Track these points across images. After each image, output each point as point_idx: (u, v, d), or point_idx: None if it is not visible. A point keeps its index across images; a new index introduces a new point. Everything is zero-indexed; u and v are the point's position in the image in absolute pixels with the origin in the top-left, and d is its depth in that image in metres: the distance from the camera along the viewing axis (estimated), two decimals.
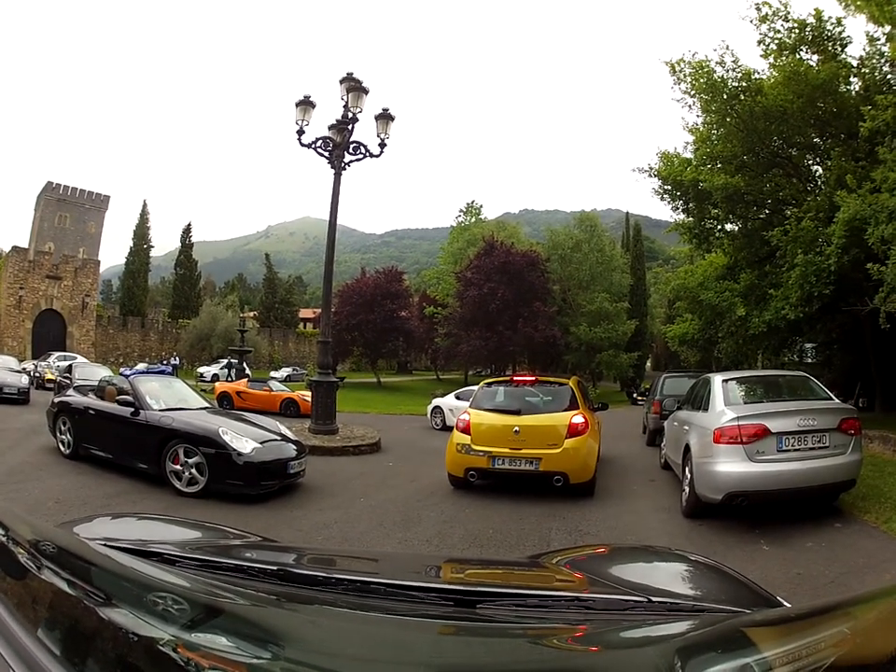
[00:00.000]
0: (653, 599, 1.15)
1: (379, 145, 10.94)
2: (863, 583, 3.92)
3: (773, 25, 13.57)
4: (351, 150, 10.88)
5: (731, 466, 5.27)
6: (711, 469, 5.41)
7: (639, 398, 21.76)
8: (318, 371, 11.49)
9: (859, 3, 12.17)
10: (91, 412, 7.34)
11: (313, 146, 10.76)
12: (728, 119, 14.44)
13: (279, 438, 7.04)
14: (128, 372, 19.10)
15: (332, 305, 14.62)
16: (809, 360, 21.35)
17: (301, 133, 10.65)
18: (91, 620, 0.79)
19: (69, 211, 60.68)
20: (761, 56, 14.18)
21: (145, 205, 57.35)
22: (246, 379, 21.09)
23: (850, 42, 13.37)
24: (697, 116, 15.54)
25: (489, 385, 7.91)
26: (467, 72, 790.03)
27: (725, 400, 5.87)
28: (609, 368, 38.69)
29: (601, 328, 36.02)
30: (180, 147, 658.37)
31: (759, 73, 14.27)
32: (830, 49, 13.35)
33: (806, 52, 13.66)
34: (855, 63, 13.41)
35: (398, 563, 2.03)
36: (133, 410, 6.83)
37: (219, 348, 38.23)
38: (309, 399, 12.75)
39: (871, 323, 12.31)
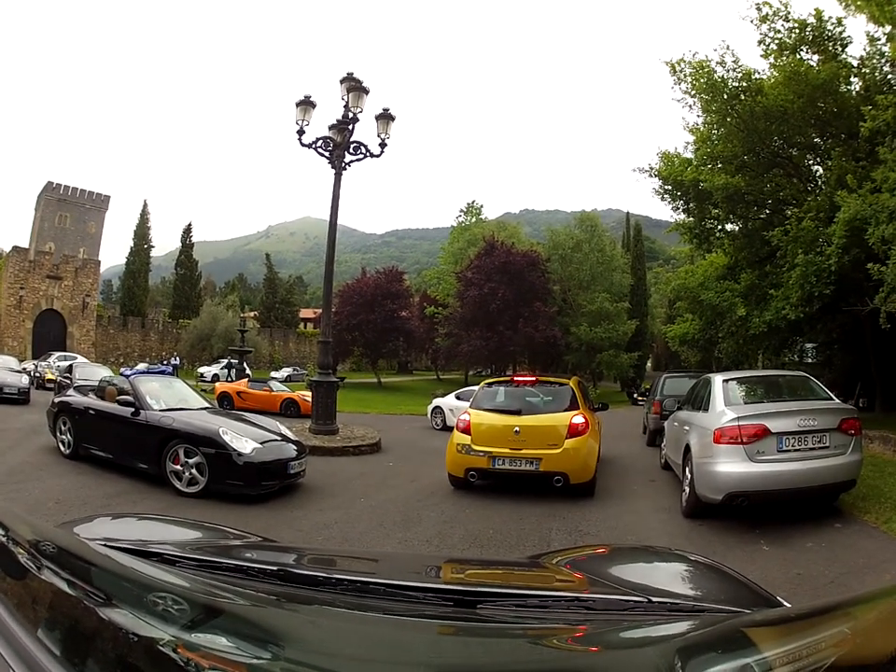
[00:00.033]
0: (653, 599, 1.15)
1: (379, 145, 10.95)
2: (863, 584, 3.92)
3: (773, 25, 13.58)
4: (351, 150, 10.88)
5: (731, 466, 5.27)
6: (711, 469, 5.41)
7: (640, 398, 21.77)
8: (319, 372, 11.49)
9: (859, 3, 12.17)
10: (92, 412, 7.34)
11: (313, 146, 10.76)
12: (728, 119, 14.43)
13: (279, 438, 7.03)
14: (128, 372, 19.11)
15: (333, 305, 14.63)
16: (809, 360, 21.34)
17: (301, 132, 10.65)
18: (91, 620, 0.79)
19: (69, 211, 60.72)
20: (761, 56, 14.20)
21: (145, 205, 57.42)
22: (247, 379, 21.10)
23: (851, 42, 13.39)
24: (698, 116, 15.58)
25: (489, 385, 7.91)
26: (467, 72, 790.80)
27: (725, 400, 5.87)
28: (610, 368, 38.68)
29: (601, 328, 36.01)
30: (181, 147, 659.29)
31: (759, 73, 14.28)
32: (830, 49, 13.35)
33: (807, 52, 13.66)
34: (855, 63, 13.41)
35: (398, 563, 2.03)
36: (133, 410, 6.83)
37: (220, 348, 38.23)
38: (309, 399, 12.75)
39: (871, 323, 12.30)
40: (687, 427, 6.57)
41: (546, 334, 33.60)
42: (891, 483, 6.63)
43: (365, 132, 26.89)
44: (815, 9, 13.24)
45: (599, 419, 8.07)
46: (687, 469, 6.03)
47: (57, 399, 8.14)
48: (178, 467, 6.28)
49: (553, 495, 6.52)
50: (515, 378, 8.12)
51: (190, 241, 57.18)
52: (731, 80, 14.13)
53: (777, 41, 13.69)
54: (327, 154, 10.84)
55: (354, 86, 10.69)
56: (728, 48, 14.07)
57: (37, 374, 21.62)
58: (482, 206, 49.36)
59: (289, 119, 10.79)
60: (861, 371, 16.10)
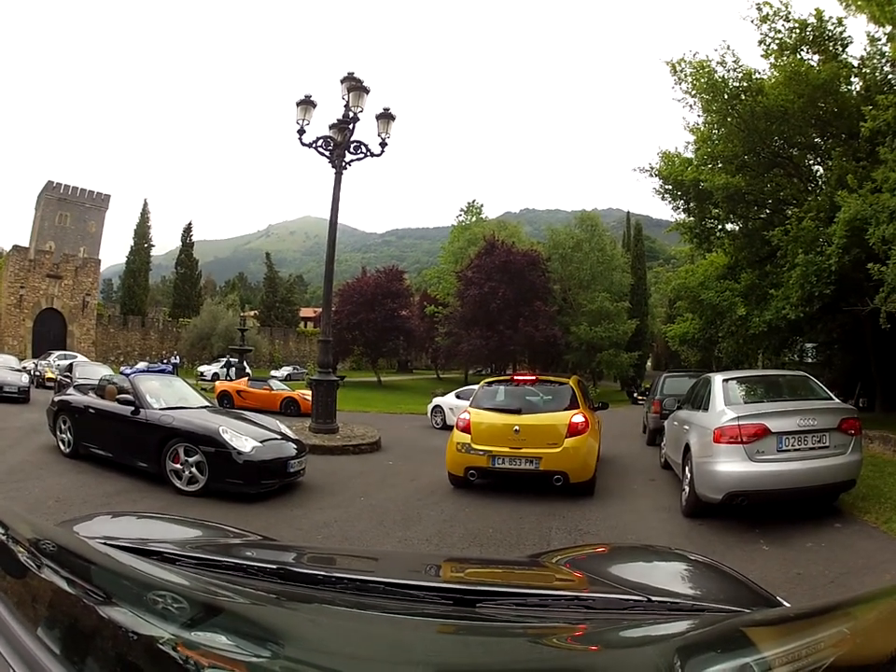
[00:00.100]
0: (653, 599, 1.15)
1: (380, 144, 10.94)
2: (863, 584, 3.92)
3: (774, 25, 13.57)
4: (352, 150, 10.87)
5: (731, 465, 5.27)
6: (711, 468, 5.41)
7: (640, 397, 21.74)
8: (319, 370, 11.48)
9: (859, 3, 12.15)
10: (92, 410, 7.34)
11: (313, 145, 10.75)
12: (729, 119, 14.42)
13: (279, 437, 7.03)
14: (128, 371, 19.02)
15: (333, 304, 14.64)
16: (810, 360, 21.34)
17: (301, 132, 10.65)
18: (90, 618, 0.79)
19: (70, 210, 60.74)
20: (761, 56, 14.18)
21: (145, 204, 57.35)
22: (247, 378, 21.10)
23: (851, 42, 13.37)
24: (698, 116, 15.56)
25: (489, 384, 7.92)
26: (468, 71, 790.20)
27: (725, 400, 5.87)
28: (610, 367, 38.67)
29: (602, 327, 36.00)
30: (181, 147, 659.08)
31: (760, 73, 14.27)
32: (831, 49, 13.33)
33: (807, 52, 13.65)
34: (856, 64, 13.40)
35: (397, 562, 2.03)
36: (133, 409, 6.84)
37: (220, 347, 38.17)
38: (309, 397, 12.75)
39: (871, 323, 12.30)
40: (687, 427, 6.57)
41: (546, 333, 33.58)
42: (891, 484, 6.63)
43: (365, 131, 26.89)
44: (815, 9, 13.24)
45: (599, 418, 8.07)
46: (687, 469, 6.03)
47: (57, 398, 8.14)
48: (178, 465, 6.28)
49: (552, 494, 6.52)
50: (515, 377, 8.13)
51: (191, 240, 57.13)
52: (731, 80, 14.12)
53: (777, 41, 13.68)
54: (327, 153, 10.84)
55: (354, 85, 10.68)
56: (728, 48, 14.09)
57: (37, 373, 21.64)
58: (482, 206, 49.36)
59: (290, 119, 10.81)
60: (861, 370, 16.10)
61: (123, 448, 6.93)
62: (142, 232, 54.89)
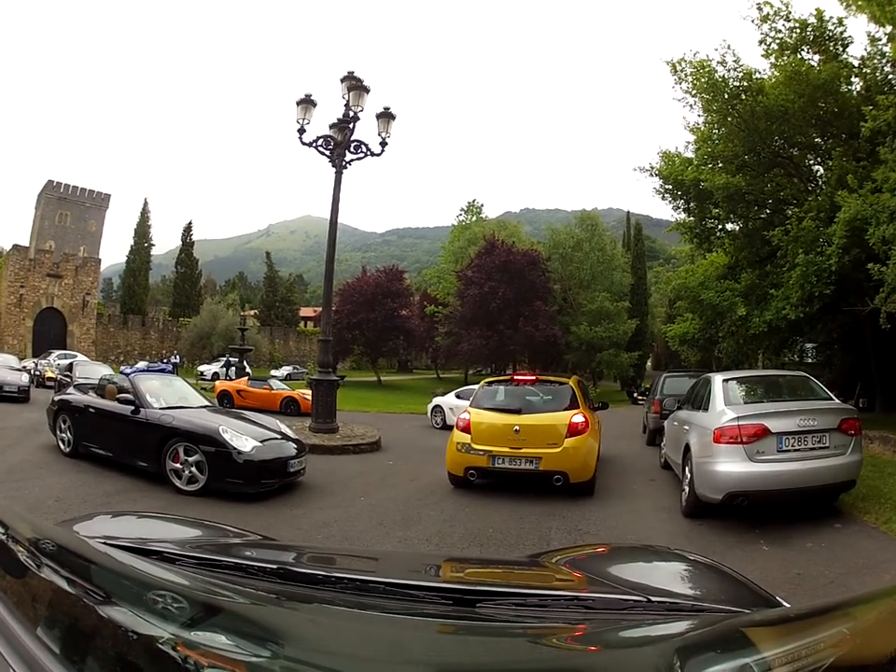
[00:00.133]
0: (653, 599, 1.15)
1: (380, 143, 10.94)
2: (863, 584, 3.92)
3: (774, 25, 13.57)
4: (352, 149, 10.87)
5: (731, 466, 5.27)
6: (711, 468, 5.41)
7: (640, 397, 21.75)
8: (319, 370, 11.48)
9: (860, 3, 12.15)
10: (92, 410, 7.34)
11: (314, 144, 10.75)
12: (729, 119, 14.42)
13: (279, 436, 7.04)
14: (128, 371, 19.07)
15: (333, 304, 14.64)
16: (810, 360, 21.33)
17: (301, 131, 10.65)
18: (90, 618, 0.79)
19: (70, 209, 60.71)
20: (762, 56, 14.18)
21: (146, 204, 57.47)
22: (247, 377, 21.10)
23: (852, 42, 13.37)
24: (698, 115, 15.56)
25: (489, 384, 7.91)
26: (468, 71, 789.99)
27: (725, 400, 5.86)
28: (610, 367, 38.67)
29: (602, 327, 35.99)
30: (181, 146, 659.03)
31: (760, 73, 14.27)
32: (831, 49, 13.33)
33: (808, 52, 13.65)
34: (856, 64, 13.39)
35: (397, 562, 2.03)
36: (133, 408, 6.84)
37: (220, 346, 38.18)
38: (309, 397, 12.75)
39: (871, 323, 12.30)
40: (687, 427, 6.57)
41: (546, 333, 33.59)
42: (891, 484, 6.63)
43: (366, 130, 26.86)
44: (816, 9, 13.24)
45: (599, 418, 8.06)
46: (687, 469, 6.03)
47: (57, 398, 8.14)
48: (178, 465, 6.28)
49: (552, 494, 6.52)
50: (515, 377, 8.13)
51: (191, 239, 57.17)
52: (732, 80, 14.12)
53: (777, 41, 13.68)
54: (327, 153, 10.84)
55: (354, 85, 10.68)
56: (729, 47, 14.08)
57: (37, 372, 21.63)
58: (482, 205, 49.43)
59: (290, 118, 10.80)
60: (861, 371, 16.10)
61: (123, 447, 6.93)
62: (142, 232, 54.94)
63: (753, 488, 5.24)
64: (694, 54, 14.50)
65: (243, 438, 6.37)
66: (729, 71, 14.10)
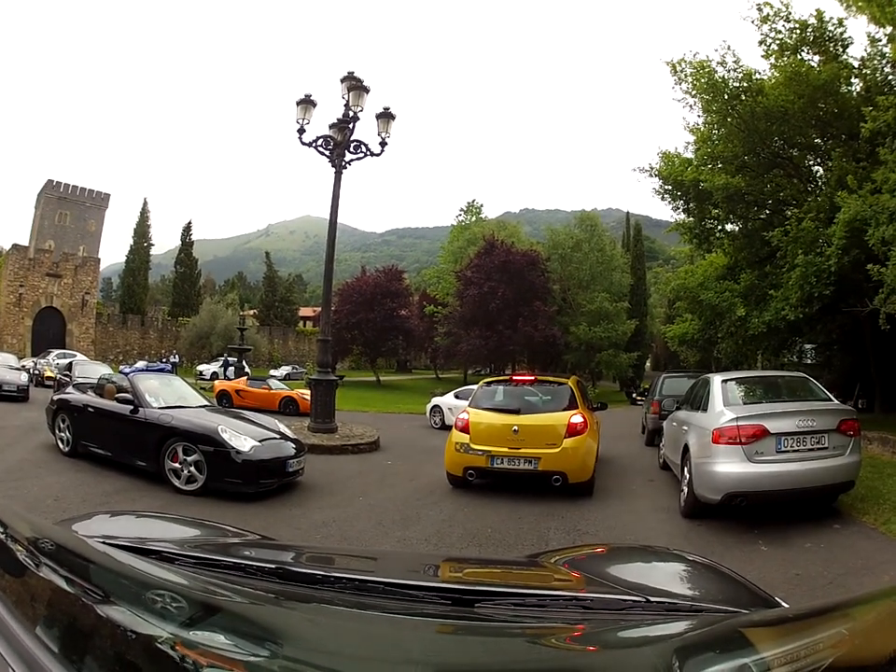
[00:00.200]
0: (651, 599, 1.15)
1: (380, 143, 10.94)
2: (862, 585, 3.92)
3: (774, 26, 13.56)
4: (352, 149, 10.87)
5: (730, 466, 5.27)
6: (710, 469, 5.41)
7: (638, 397, 21.80)
8: (318, 370, 11.48)
9: (860, 4, 12.14)
10: (91, 409, 7.34)
11: (313, 144, 10.75)
12: (729, 120, 14.41)
13: (278, 436, 7.03)
14: (127, 370, 19.00)
15: (332, 304, 14.63)
16: (809, 361, 21.32)
17: (301, 131, 10.65)
18: (89, 617, 0.79)
19: (69, 209, 60.65)
20: (762, 56, 14.17)
21: (145, 203, 57.44)
22: (246, 377, 21.09)
23: (852, 43, 13.36)
24: (698, 116, 15.54)
25: (488, 384, 7.91)
26: (468, 71, 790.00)
27: (724, 401, 5.87)
28: (609, 367, 38.70)
29: (601, 327, 36.02)
30: (181, 146, 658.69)
31: (760, 73, 14.25)
32: (831, 49, 13.33)
33: (808, 53, 13.64)
34: (856, 64, 13.39)
35: (396, 562, 2.03)
36: (132, 408, 6.83)
37: (219, 346, 38.13)
38: (308, 397, 12.75)
39: (871, 324, 12.30)
40: (686, 427, 6.57)
41: (545, 333, 33.59)
42: (890, 485, 6.63)
43: (365, 130, 26.86)
44: (816, 10, 13.24)
45: (598, 419, 8.07)
46: (686, 469, 6.03)
47: (56, 397, 8.14)
48: (177, 464, 6.28)
49: (551, 494, 6.52)
50: (514, 377, 8.13)
51: (190, 239, 57.18)
52: (731, 81, 14.11)
53: (777, 42, 13.67)
54: (327, 153, 10.84)
55: (354, 85, 10.68)
56: (729, 48, 14.07)
57: (36, 372, 21.61)
58: (482, 205, 49.48)
59: (290, 118, 10.81)
60: (861, 371, 16.10)
61: (122, 447, 6.93)
62: (141, 231, 54.90)
63: (752, 489, 5.24)
64: (694, 55, 14.51)
65: (241, 437, 6.37)
66: (729, 72, 14.10)
